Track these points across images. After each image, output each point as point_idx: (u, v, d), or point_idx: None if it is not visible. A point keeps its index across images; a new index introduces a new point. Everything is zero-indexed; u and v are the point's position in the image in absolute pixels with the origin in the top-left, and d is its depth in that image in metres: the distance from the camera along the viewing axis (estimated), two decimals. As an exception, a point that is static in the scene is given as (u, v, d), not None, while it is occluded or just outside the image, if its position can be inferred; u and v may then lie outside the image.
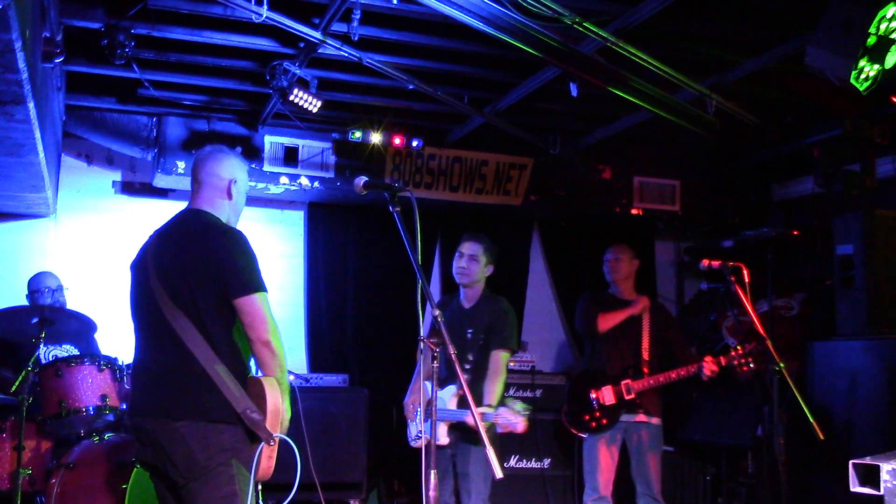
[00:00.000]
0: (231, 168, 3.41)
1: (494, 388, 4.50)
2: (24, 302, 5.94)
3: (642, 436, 5.18)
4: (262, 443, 3.05)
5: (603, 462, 5.15)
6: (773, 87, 5.54)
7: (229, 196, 3.39)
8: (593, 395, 5.17)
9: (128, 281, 3.41)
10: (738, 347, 4.93)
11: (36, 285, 5.73)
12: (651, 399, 5.18)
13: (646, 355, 5.22)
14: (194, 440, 3.02)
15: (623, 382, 5.14)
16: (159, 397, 3.11)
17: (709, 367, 4.98)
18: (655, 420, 5.22)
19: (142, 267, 3.28)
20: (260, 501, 3.32)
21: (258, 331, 3.10)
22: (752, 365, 4.86)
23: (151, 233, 3.40)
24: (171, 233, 3.32)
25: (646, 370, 5.16)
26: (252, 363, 3.26)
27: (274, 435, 3.06)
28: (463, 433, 4.49)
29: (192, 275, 3.12)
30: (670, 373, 5.09)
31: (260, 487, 3.24)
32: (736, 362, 4.91)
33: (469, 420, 4.30)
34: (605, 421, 5.13)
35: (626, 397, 5.12)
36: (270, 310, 3.15)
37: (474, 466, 4.47)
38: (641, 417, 5.18)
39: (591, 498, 5.16)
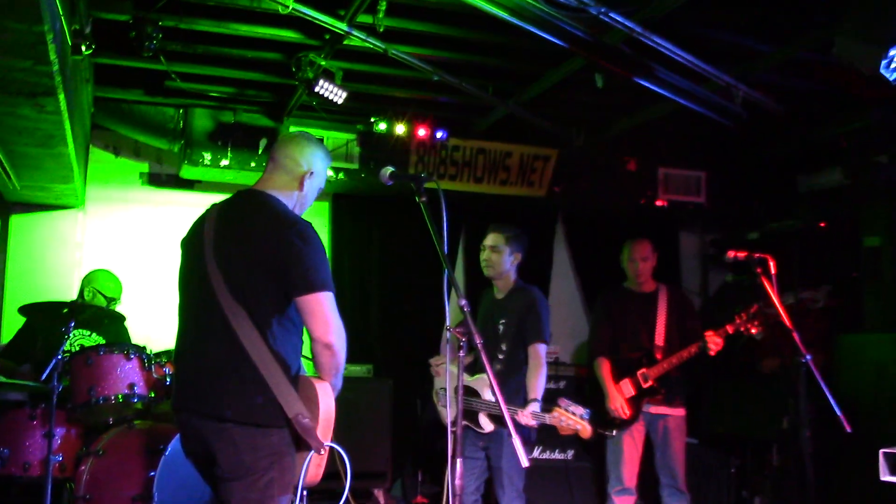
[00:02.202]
0: (313, 158, 3.17)
1: (537, 381, 4.48)
2: (56, 292, 6.03)
3: (667, 426, 5.14)
4: (312, 451, 2.88)
5: (627, 454, 5.13)
6: (800, 77, 5.49)
7: (301, 186, 3.13)
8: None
9: (177, 258, 3.18)
10: (742, 313, 4.82)
11: (96, 284, 5.70)
12: (673, 389, 5.15)
13: (659, 341, 5.17)
14: (243, 443, 2.85)
15: (639, 371, 5.10)
16: (208, 396, 2.91)
17: (712, 339, 4.85)
18: (679, 411, 5.19)
19: (196, 246, 3.05)
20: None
21: (321, 331, 2.89)
22: (756, 328, 4.76)
23: (209, 208, 3.16)
24: (234, 214, 3.07)
25: (659, 356, 5.11)
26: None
27: (325, 443, 2.89)
28: (498, 425, 4.49)
29: (255, 265, 2.91)
30: (682, 352, 5.00)
31: (306, 493, 3.11)
32: (742, 328, 4.80)
33: (523, 419, 4.30)
34: (628, 414, 5.10)
35: (645, 385, 5.08)
36: (336, 311, 2.94)
37: (507, 460, 4.48)
38: (664, 409, 5.15)
39: (616, 489, 5.14)
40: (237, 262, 2.93)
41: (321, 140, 3.32)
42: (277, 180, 3.13)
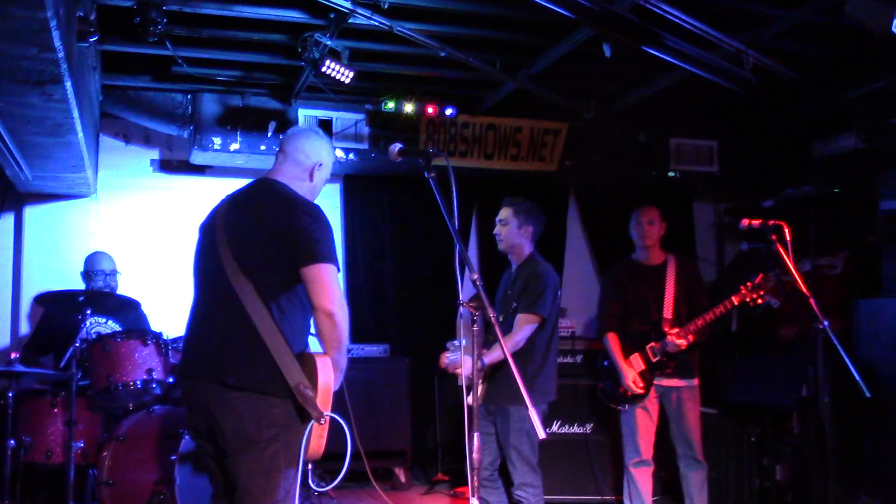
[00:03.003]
0: (320, 151, 3.35)
1: (496, 350, 4.31)
2: (71, 281, 6.07)
3: (680, 397, 5.11)
4: (312, 421, 2.97)
5: (642, 426, 5.10)
6: (813, 40, 5.42)
7: (311, 178, 3.32)
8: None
9: (194, 241, 3.34)
10: (748, 283, 4.75)
11: (91, 266, 5.85)
12: (685, 359, 5.10)
13: (668, 314, 5.10)
14: (246, 412, 2.95)
15: (648, 346, 5.05)
16: (214, 362, 3.03)
17: (719, 311, 4.79)
18: (692, 381, 5.15)
19: (210, 230, 3.22)
20: (310, 481, 3.22)
21: (323, 301, 3.01)
22: (762, 299, 4.70)
23: (224, 196, 3.33)
24: (245, 199, 3.26)
25: (667, 329, 5.02)
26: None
27: (325, 413, 2.97)
28: (500, 396, 4.46)
29: (263, 242, 3.06)
30: (689, 325, 4.91)
31: (311, 466, 3.17)
32: (748, 298, 4.72)
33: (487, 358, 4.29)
34: (640, 388, 5.06)
35: (654, 359, 5.02)
36: (338, 283, 3.06)
37: (515, 435, 4.44)
38: (676, 381, 5.11)
39: (633, 461, 5.12)
40: (246, 240, 3.08)
41: (321, 130, 3.52)
42: (288, 171, 3.31)
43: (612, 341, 5.18)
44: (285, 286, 3.04)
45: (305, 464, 3.09)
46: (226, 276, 3.04)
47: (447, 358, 4.64)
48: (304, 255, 3.02)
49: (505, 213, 4.73)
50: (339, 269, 3.09)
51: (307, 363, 3.02)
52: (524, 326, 4.45)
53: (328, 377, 3.02)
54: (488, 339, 4.58)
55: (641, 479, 5.12)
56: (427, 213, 7.14)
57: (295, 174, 3.30)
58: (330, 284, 3.02)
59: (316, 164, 3.32)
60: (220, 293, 3.06)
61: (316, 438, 3.02)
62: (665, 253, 5.32)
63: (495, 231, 4.75)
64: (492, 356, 4.34)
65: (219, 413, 2.99)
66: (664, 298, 5.13)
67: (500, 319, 4.56)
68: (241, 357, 2.99)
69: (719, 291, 5.77)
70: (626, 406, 5.13)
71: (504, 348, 2.94)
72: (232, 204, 3.25)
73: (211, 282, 3.15)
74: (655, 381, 5.10)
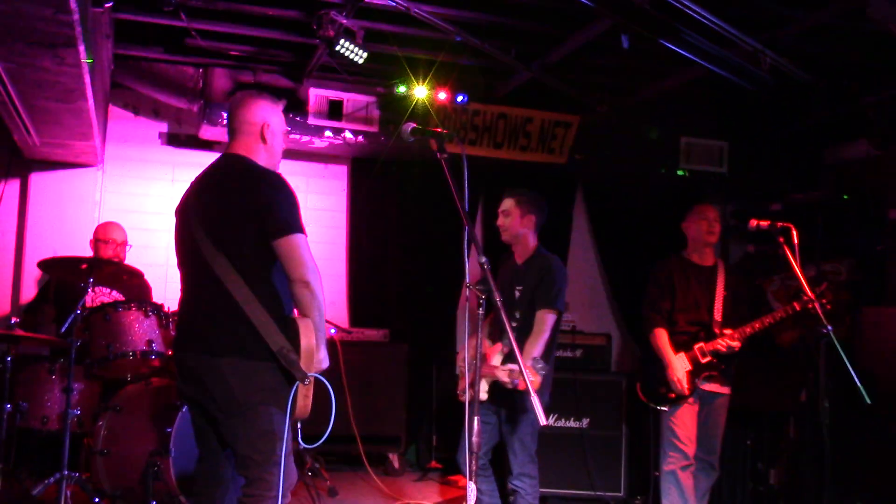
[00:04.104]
0: (261, 112, 3.38)
1: (530, 347, 4.34)
2: (74, 249, 6.04)
3: (718, 403, 4.97)
4: (297, 382, 3.08)
5: (689, 426, 4.90)
6: (830, 44, 5.38)
7: (263, 140, 3.37)
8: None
9: (173, 227, 3.46)
10: (816, 287, 4.57)
11: (103, 234, 5.83)
12: (729, 365, 4.94)
13: (718, 316, 4.93)
14: (234, 377, 3.08)
15: (696, 346, 4.89)
16: (200, 333, 3.19)
17: (778, 316, 4.70)
18: (727, 389, 5.01)
19: (184, 212, 3.34)
20: (300, 440, 3.33)
21: (297, 271, 3.12)
22: (826, 306, 4.51)
23: (193, 179, 3.44)
24: (210, 178, 3.36)
25: (717, 331, 4.88)
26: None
27: (308, 374, 3.08)
28: (504, 392, 4.41)
29: (231, 217, 3.17)
30: (745, 327, 4.80)
31: (299, 426, 3.26)
32: (810, 306, 4.46)
33: (500, 375, 4.22)
34: (686, 387, 4.87)
35: (702, 360, 4.86)
36: (310, 251, 3.17)
37: (522, 425, 4.43)
38: (718, 387, 4.96)
39: (681, 464, 4.89)
40: (217, 218, 3.20)
41: (262, 90, 3.53)
42: (242, 142, 3.37)
43: (662, 337, 4.98)
44: (259, 258, 3.14)
45: (294, 423, 3.20)
46: (202, 254, 3.17)
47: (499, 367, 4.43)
48: (273, 229, 3.12)
49: (507, 203, 4.70)
50: (305, 234, 3.18)
51: (291, 327, 3.13)
52: (548, 322, 4.44)
53: (310, 339, 3.11)
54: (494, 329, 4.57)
55: (689, 483, 4.91)
56: (434, 199, 7.12)
57: (249, 143, 3.36)
58: (302, 254, 3.13)
59: (262, 125, 3.35)
60: (200, 271, 3.19)
61: (301, 398, 3.11)
62: (715, 257, 5.20)
63: (498, 222, 4.73)
64: (536, 349, 4.34)
65: (208, 380, 3.12)
66: (715, 300, 4.99)
67: (517, 316, 4.53)
68: (223, 326, 3.13)
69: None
70: (669, 407, 4.93)
71: (509, 331, 2.94)
72: (199, 184, 3.36)
73: (191, 261, 3.28)
74: (700, 386, 4.93)
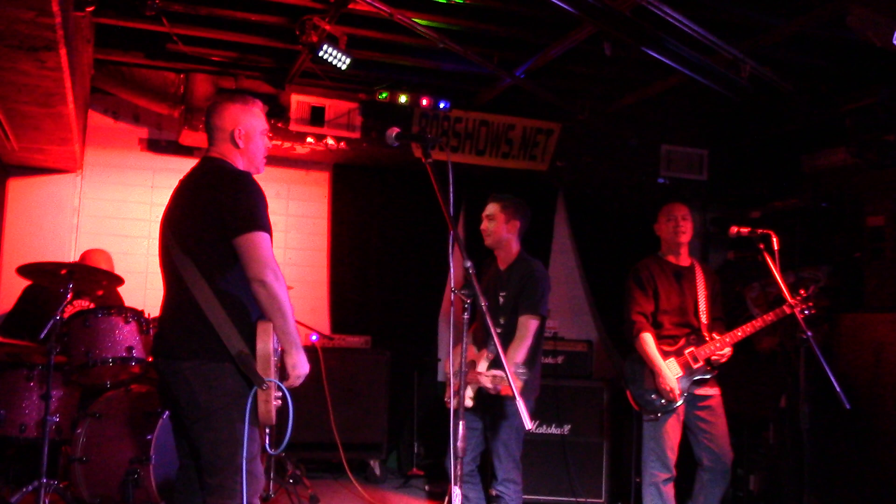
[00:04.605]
0: (232, 117, 3.33)
1: (513, 353, 4.33)
2: (52, 256, 6.00)
3: (712, 405, 4.80)
4: (255, 387, 3.04)
5: (673, 438, 4.76)
6: (810, 52, 5.44)
7: (235, 145, 3.33)
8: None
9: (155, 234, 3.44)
10: (801, 290, 4.58)
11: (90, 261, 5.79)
12: (719, 370, 4.83)
13: (705, 318, 4.85)
14: (196, 381, 3.06)
15: (687, 351, 4.77)
16: (167, 338, 3.19)
17: (769, 319, 4.62)
18: (718, 389, 4.86)
19: (162, 218, 3.35)
20: (266, 447, 3.28)
21: (253, 269, 3.06)
22: (811, 311, 4.51)
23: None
24: (185, 181, 3.35)
25: (706, 335, 4.79)
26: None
27: (266, 379, 3.03)
28: (489, 397, 4.42)
29: (195, 218, 3.15)
30: (735, 331, 4.71)
31: (267, 431, 3.21)
32: (798, 309, 4.51)
33: (483, 381, 4.22)
34: (674, 396, 4.72)
35: (694, 366, 4.74)
36: (270, 250, 3.10)
37: (505, 430, 4.43)
38: (709, 389, 4.81)
39: (664, 477, 4.75)
40: (184, 221, 3.19)
41: (237, 93, 3.47)
42: (219, 146, 3.36)
43: (649, 342, 4.80)
44: (224, 259, 3.11)
45: (262, 429, 3.18)
46: (171, 257, 3.17)
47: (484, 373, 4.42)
48: (232, 226, 3.08)
49: (492, 208, 4.71)
50: (268, 231, 3.12)
51: (252, 330, 3.11)
52: (531, 327, 4.43)
53: (266, 343, 3.06)
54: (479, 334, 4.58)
55: (671, 495, 4.79)
56: (416, 205, 7.13)
57: (224, 147, 3.33)
58: (259, 253, 3.06)
59: (232, 130, 3.31)
60: (170, 274, 3.21)
61: (262, 404, 3.06)
62: (690, 258, 5.10)
63: (482, 226, 4.74)
64: (519, 354, 4.34)
65: (174, 385, 3.11)
66: (699, 302, 4.89)
67: (501, 322, 4.54)
68: (186, 329, 3.11)
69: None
70: (658, 415, 4.75)
71: (494, 335, 2.94)
72: (176, 190, 3.35)
73: (165, 267, 3.28)
74: (690, 390, 4.80)
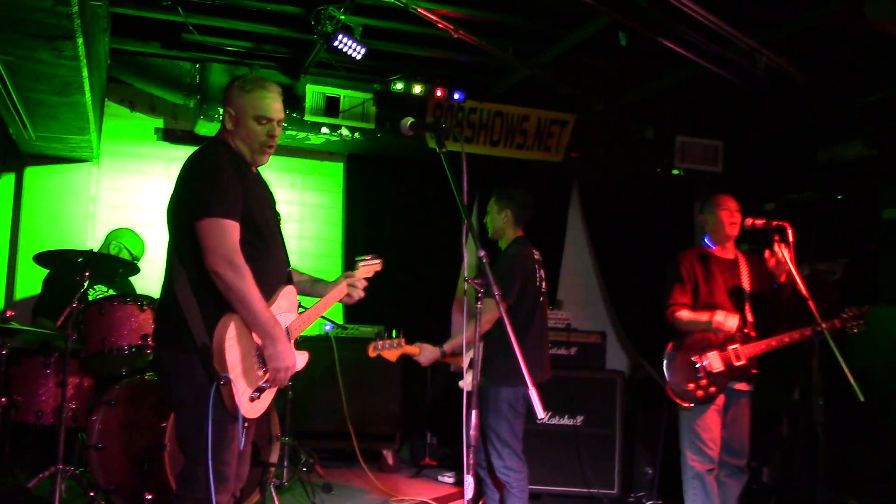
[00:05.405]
0: (228, 96, 3.18)
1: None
2: (68, 244, 6.03)
3: (741, 402, 4.66)
4: (215, 382, 2.90)
5: (716, 430, 4.58)
6: (826, 43, 5.40)
7: (232, 125, 3.16)
8: (697, 362, 4.56)
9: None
10: (853, 308, 4.50)
11: (125, 241, 5.81)
12: (755, 365, 4.64)
13: (750, 316, 4.65)
14: (172, 372, 3.01)
15: (731, 347, 4.56)
16: (155, 326, 3.19)
17: (796, 336, 4.47)
18: (750, 386, 4.70)
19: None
20: (241, 438, 3.08)
21: (207, 259, 2.89)
22: (861, 328, 4.46)
23: None
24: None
25: (753, 333, 4.60)
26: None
27: (223, 376, 2.87)
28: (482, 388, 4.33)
29: (174, 205, 3.09)
30: (783, 336, 4.54)
31: (246, 424, 3.06)
32: (849, 324, 4.48)
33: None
34: (713, 389, 4.53)
35: (736, 363, 4.55)
36: (224, 237, 2.91)
37: (493, 417, 4.41)
38: (743, 385, 4.65)
39: (707, 468, 4.57)
40: (170, 207, 3.13)
41: (248, 75, 3.27)
42: (221, 129, 3.23)
43: (687, 314, 4.61)
44: (197, 247, 2.93)
45: (229, 426, 2.97)
46: (169, 245, 3.14)
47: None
48: (190, 214, 2.94)
49: (490, 201, 4.76)
50: (225, 216, 2.92)
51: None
52: (485, 311, 4.16)
53: (221, 335, 2.89)
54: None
55: (714, 487, 4.61)
56: (429, 196, 7.14)
57: (224, 130, 3.20)
58: (209, 241, 2.90)
59: (227, 110, 3.16)
60: (166, 262, 3.16)
61: (227, 400, 2.92)
62: (735, 249, 4.86)
63: (484, 220, 4.79)
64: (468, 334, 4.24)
65: (157, 373, 3.12)
66: (744, 297, 4.70)
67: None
68: (165, 319, 3.09)
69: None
70: (695, 405, 4.56)
71: (507, 324, 2.94)
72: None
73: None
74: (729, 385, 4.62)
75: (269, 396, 3.14)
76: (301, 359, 3.24)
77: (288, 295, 3.25)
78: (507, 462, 4.45)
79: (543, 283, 4.71)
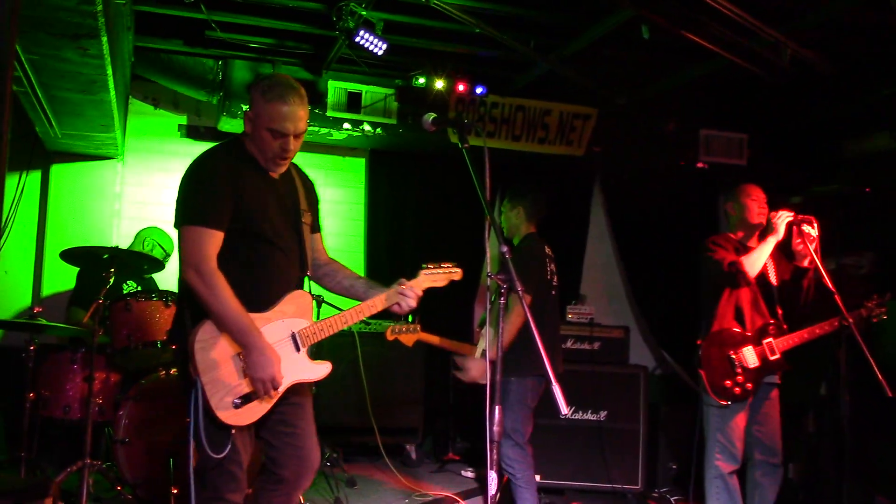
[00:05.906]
0: (251, 99, 3.11)
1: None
2: (93, 240, 6.09)
3: (771, 396, 4.57)
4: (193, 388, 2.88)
5: (742, 430, 4.50)
6: (852, 34, 5.33)
7: (249, 129, 3.11)
8: (735, 358, 4.45)
9: None
10: (875, 296, 4.47)
11: (157, 238, 5.89)
12: (789, 360, 4.56)
13: (780, 308, 4.56)
14: (179, 366, 3.11)
15: (765, 341, 4.47)
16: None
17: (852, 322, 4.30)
18: (779, 379, 4.63)
19: None
20: (227, 443, 3.03)
21: (180, 268, 2.92)
22: (884, 317, 4.42)
23: None
24: None
25: (785, 326, 4.53)
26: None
27: (197, 380, 2.85)
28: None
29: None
30: (814, 328, 4.48)
31: (233, 431, 3.00)
32: (874, 312, 4.45)
33: None
34: (749, 386, 4.43)
35: (771, 358, 4.46)
36: (196, 245, 2.90)
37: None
38: (774, 378, 4.58)
39: (731, 469, 4.49)
40: None
41: (276, 79, 3.13)
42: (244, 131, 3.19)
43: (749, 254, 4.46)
44: None
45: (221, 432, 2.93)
46: None
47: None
48: (175, 221, 3.02)
49: (504, 201, 4.84)
50: (202, 224, 2.92)
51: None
52: (510, 308, 4.45)
53: (192, 338, 2.88)
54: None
55: (737, 487, 4.53)
56: (452, 191, 7.13)
57: (245, 131, 3.16)
58: (184, 249, 2.92)
59: (248, 113, 3.11)
60: None
61: (204, 402, 2.86)
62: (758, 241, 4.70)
63: (500, 219, 4.82)
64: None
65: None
66: (772, 290, 4.63)
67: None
68: (174, 317, 3.16)
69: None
70: (731, 402, 4.43)
71: (531, 320, 2.94)
72: None
73: None
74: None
75: (260, 406, 3.03)
76: (320, 369, 3.21)
77: (297, 300, 3.19)
78: (509, 453, 4.48)
79: (555, 278, 4.76)
